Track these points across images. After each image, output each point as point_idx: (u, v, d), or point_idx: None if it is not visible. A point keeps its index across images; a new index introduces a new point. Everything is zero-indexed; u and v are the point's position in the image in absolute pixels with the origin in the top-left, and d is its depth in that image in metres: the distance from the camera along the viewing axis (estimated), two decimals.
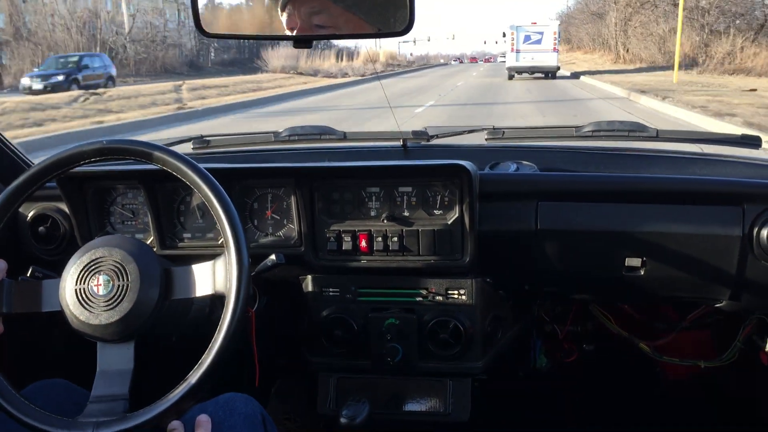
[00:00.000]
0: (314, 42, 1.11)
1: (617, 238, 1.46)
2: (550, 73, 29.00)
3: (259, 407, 1.23)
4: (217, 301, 1.19)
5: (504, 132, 1.82)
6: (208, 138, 1.93)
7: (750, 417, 1.98)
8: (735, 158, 1.71)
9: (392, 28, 1.10)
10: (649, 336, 1.97)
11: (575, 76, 30.40)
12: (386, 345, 1.56)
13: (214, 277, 1.13)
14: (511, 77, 29.44)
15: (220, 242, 1.55)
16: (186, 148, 1.87)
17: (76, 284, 1.14)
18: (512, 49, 29.18)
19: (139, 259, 1.14)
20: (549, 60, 28.74)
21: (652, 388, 2.16)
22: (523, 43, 29.08)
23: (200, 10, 1.16)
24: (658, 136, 1.71)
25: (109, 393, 1.11)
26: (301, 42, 1.05)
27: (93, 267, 1.14)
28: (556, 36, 29.47)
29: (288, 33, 1.11)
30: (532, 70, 29.07)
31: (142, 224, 1.60)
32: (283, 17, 1.21)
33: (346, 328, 1.59)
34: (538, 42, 29.03)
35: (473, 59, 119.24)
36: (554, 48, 29.00)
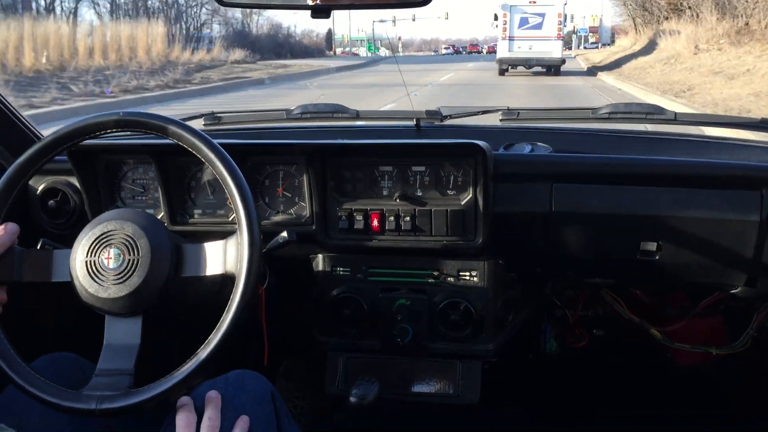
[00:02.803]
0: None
1: (633, 222, 1.44)
2: (552, 68, 22.52)
3: (269, 385, 1.22)
4: (227, 279, 1.19)
5: (519, 113, 1.80)
6: (219, 114, 1.92)
7: (761, 405, 1.96)
8: (754, 143, 1.68)
9: None
10: (661, 322, 1.95)
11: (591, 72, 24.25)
12: (396, 325, 1.55)
13: (225, 256, 1.12)
14: (502, 72, 22.89)
15: (230, 219, 1.54)
16: (197, 125, 1.84)
17: (87, 256, 1.13)
18: (504, 36, 22.62)
19: (151, 235, 1.13)
20: (551, 50, 22.21)
21: (662, 374, 2.15)
22: (519, 27, 22.65)
23: None
24: (676, 119, 1.68)
25: (115, 367, 1.11)
26: (319, 11, 1.03)
27: (104, 240, 1.14)
28: (562, 19, 22.62)
29: (308, 2, 1.09)
30: (529, 63, 22.71)
31: (152, 199, 1.59)
32: None
33: (356, 308, 1.58)
34: (538, 27, 22.55)
35: (473, 47, 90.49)
36: (558, 35, 22.50)
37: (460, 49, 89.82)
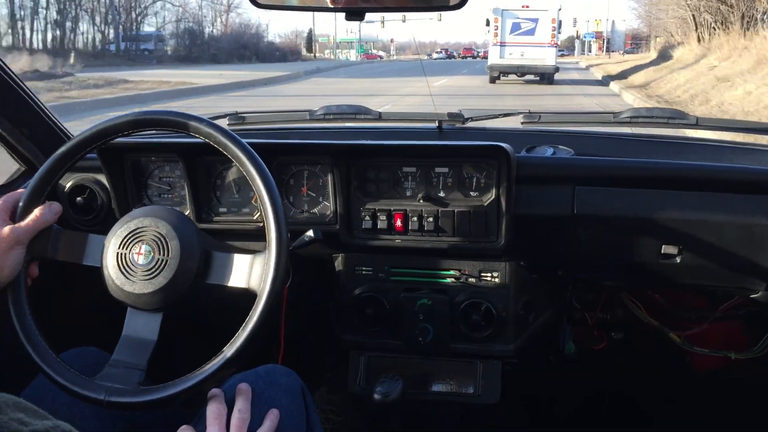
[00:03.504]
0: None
1: (654, 225, 1.45)
2: (545, 76, 21.44)
3: (299, 380, 1.24)
4: (247, 295, 1.21)
5: (540, 116, 1.81)
6: (243, 114, 1.94)
7: None
8: None
9: (444, 2, 1.09)
10: (680, 326, 1.95)
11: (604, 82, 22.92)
12: (418, 325, 1.57)
13: (250, 272, 1.14)
14: (493, 80, 21.88)
15: (255, 218, 1.56)
16: (222, 124, 1.88)
17: (119, 248, 1.16)
18: (495, 42, 21.43)
19: (183, 237, 1.16)
20: (544, 57, 21.06)
21: (680, 378, 2.15)
22: (511, 33, 21.42)
23: None
24: (698, 123, 1.69)
25: (129, 360, 1.14)
26: (354, 14, 1.05)
27: (138, 235, 1.16)
28: (556, 24, 21.42)
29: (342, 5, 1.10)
30: (521, 71, 21.67)
31: (178, 197, 1.61)
32: None
33: (377, 307, 1.60)
34: (531, 32, 21.37)
35: (467, 51, 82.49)
36: (552, 41, 21.35)
37: (454, 54, 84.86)
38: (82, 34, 38.15)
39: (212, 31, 47.72)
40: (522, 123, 1.82)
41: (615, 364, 2.12)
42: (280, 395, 1.18)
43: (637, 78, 22.60)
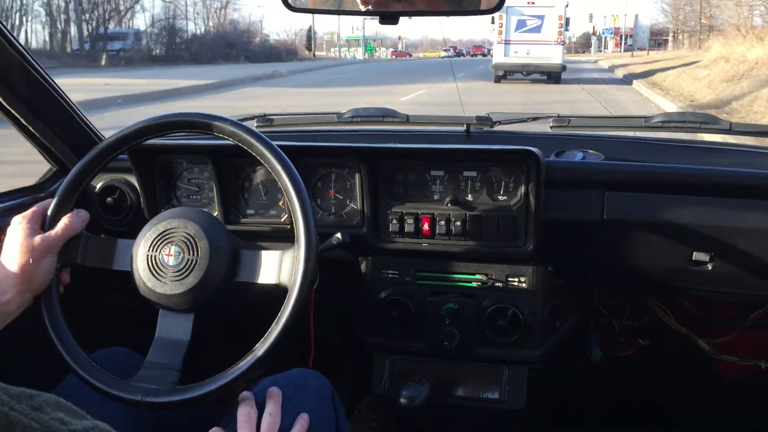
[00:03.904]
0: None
1: (685, 232, 1.43)
2: (552, 75, 20.59)
3: (328, 384, 1.24)
4: (277, 291, 1.21)
5: (570, 120, 1.80)
6: (271, 117, 1.95)
7: None
8: None
9: (476, 6, 1.09)
10: (709, 334, 1.92)
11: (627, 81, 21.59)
12: (444, 329, 1.56)
13: (280, 268, 1.14)
14: (498, 79, 20.74)
15: (283, 220, 1.57)
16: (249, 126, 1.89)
17: (149, 250, 1.17)
18: (500, 40, 20.49)
19: (211, 236, 1.16)
20: (550, 55, 20.14)
21: (708, 386, 2.12)
22: (516, 30, 20.47)
23: None
24: (732, 129, 1.66)
25: (164, 361, 1.14)
26: (388, 18, 1.05)
27: (167, 236, 1.17)
28: (562, 21, 20.39)
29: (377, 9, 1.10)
30: (527, 70, 20.78)
31: (206, 199, 1.63)
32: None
33: (403, 311, 1.59)
34: (537, 30, 20.34)
35: (478, 49, 76.47)
36: (559, 39, 20.35)
37: (464, 52, 78.64)
38: (35, 32, 35.14)
39: (195, 29, 44.72)
40: (551, 127, 1.81)
41: (642, 371, 2.09)
42: (311, 399, 1.18)
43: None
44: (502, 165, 1.49)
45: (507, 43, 20.45)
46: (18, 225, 1.15)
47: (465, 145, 1.62)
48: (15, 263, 1.12)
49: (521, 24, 20.52)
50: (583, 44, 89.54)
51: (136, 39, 39.59)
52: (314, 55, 57.22)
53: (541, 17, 20.40)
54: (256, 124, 1.92)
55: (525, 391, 1.59)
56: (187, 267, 1.14)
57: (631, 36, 72.16)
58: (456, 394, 1.62)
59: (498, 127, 1.85)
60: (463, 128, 1.82)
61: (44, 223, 1.20)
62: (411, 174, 1.54)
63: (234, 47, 41.21)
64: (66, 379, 1.22)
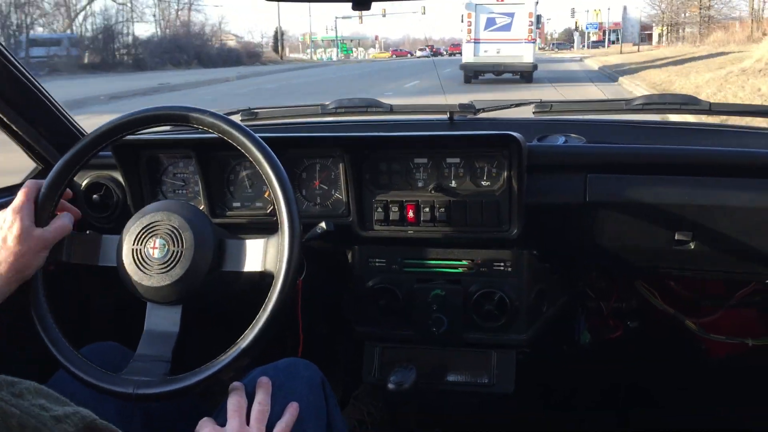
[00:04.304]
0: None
1: (667, 211, 1.45)
2: (523, 74, 19.70)
3: (319, 372, 1.25)
4: (263, 279, 1.21)
5: (552, 105, 1.81)
6: (256, 110, 1.95)
7: None
8: None
9: None
10: (696, 313, 1.95)
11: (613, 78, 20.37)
12: (431, 316, 1.57)
13: (265, 255, 1.15)
14: (468, 79, 19.55)
15: (268, 211, 1.58)
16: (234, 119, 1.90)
17: (134, 244, 1.18)
18: (469, 39, 19.70)
19: (196, 228, 1.17)
20: (521, 54, 19.34)
21: (697, 365, 2.14)
22: (485, 29, 19.66)
23: None
24: (711, 108, 1.68)
25: (154, 353, 1.15)
26: (360, 3, 1.06)
27: (151, 229, 1.18)
28: (533, 19, 19.66)
29: None
30: (497, 69, 19.67)
31: (192, 193, 1.63)
32: None
33: (391, 299, 1.60)
34: (506, 28, 19.63)
35: (456, 47, 66.78)
36: (529, 36, 19.56)
37: (442, 51, 72.44)
38: None
39: (147, 32, 42.32)
40: (534, 113, 1.82)
41: (631, 353, 2.11)
42: (301, 388, 1.19)
43: None
44: (485, 151, 1.50)
45: (476, 42, 19.70)
46: (15, 216, 1.16)
47: (447, 132, 1.63)
48: (11, 254, 1.13)
49: (491, 22, 19.80)
50: (567, 39, 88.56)
51: (72, 44, 35.95)
52: (282, 57, 54.81)
53: (510, 15, 19.70)
54: (240, 118, 1.93)
55: (513, 375, 1.61)
56: (172, 259, 1.15)
57: (614, 31, 69.98)
58: (446, 379, 1.63)
59: (481, 115, 1.86)
60: (446, 116, 1.83)
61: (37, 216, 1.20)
62: (395, 162, 1.55)
63: (185, 51, 39.16)
64: (58, 372, 1.22)
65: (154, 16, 43.71)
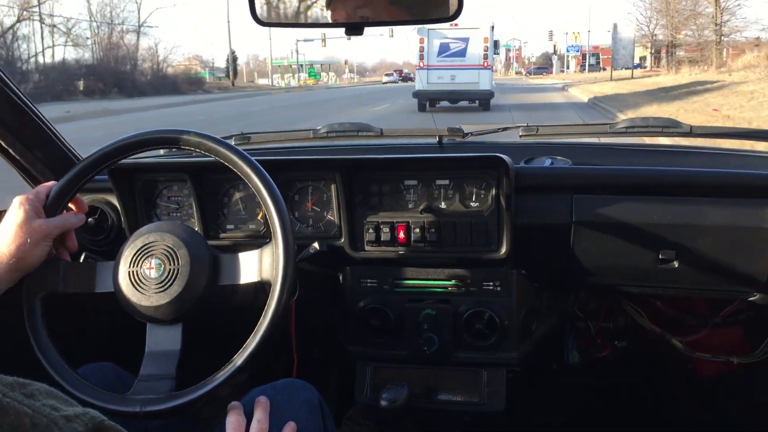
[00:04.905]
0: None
1: (651, 231, 1.48)
2: (481, 101, 18.68)
3: (316, 394, 1.26)
4: (260, 288, 1.23)
5: (538, 129, 1.86)
6: (248, 135, 1.99)
7: None
8: None
9: (439, 15, 1.14)
10: (682, 332, 1.97)
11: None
12: (423, 335, 1.59)
13: (260, 264, 1.17)
14: (422, 107, 18.55)
15: (262, 232, 1.60)
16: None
17: (130, 267, 1.19)
18: (422, 65, 18.73)
19: (190, 245, 1.19)
20: (478, 80, 18.30)
21: (684, 383, 2.17)
22: (439, 55, 18.65)
23: (256, 1, 1.21)
24: (692, 132, 1.73)
25: (157, 372, 1.16)
26: (353, 29, 1.10)
27: (146, 251, 1.19)
28: (489, 44, 18.63)
29: (340, 20, 1.15)
30: (452, 97, 18.83)
31: (186, 215, 1.66)
32: (329, 12, 1.26)
33: (383, 319, 1.63)
34: (461, 54, 18.57)
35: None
36: (485, 62, 18.55)
37: (412, 75, 66.11)
38: None
39: (44, 58, 35.46)
40: (521, 136, 1.87)
41: (619, 372, 2.14)
42: (298, 408, 1.20)
43: None
44: (473, 172, 1.53)
45: (429, 68, 18.58)
46: (20, 206, 1.18)
47: (436, 155, 1.67)
48: (12, 242, 1.15)
49: (444, 48, 18.70)
50: (543, 64, 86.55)
51: None
52: (233, 83, 51.08)
53: (465, 40, 18.55)
54: (234, 142, 1.96)
55: (504, 393, 1.63)
56: (169, 277, 1.17)
57: (594, 55, 67.30)
58: (437, 398, 1.65)
59: (470, 138, 1.90)
60: (435, 140, 1.87)
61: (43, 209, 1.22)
62: (385, 184, 1.58)
63: (102, 78, 34.71)
64: None
65: (89, 38, 39.65)
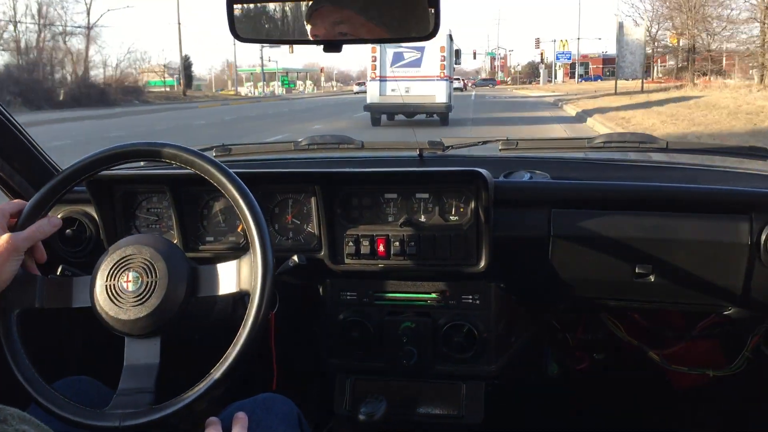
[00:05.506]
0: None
1: (627, 245, 1.50)
2: (438, 115, 17.38)
3: (295, 408, 1.26)
4: (239, 301, 1.23)
5: (518, 143, 1.88)
6: (229, 146, 1.99)
7: (758, 425, 2.00)
8: (743, 170, 1.75)
9: (416, 33, 1.15)
10: (659, 345, 1.99)
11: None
12: (402, 348, 1.60)
13: (239, 275, 1.17)
14: (376, 121, 17.70)
15: (241, 245, 1.60)
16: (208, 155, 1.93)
17: (107, 280, 1.18)
18: (374, 76, 17.20)
19: (168, 258, 1.18)
20: (433, 92, 16.96)
21: (661, 396, 2.19)
22: (392, 65, 17.33)
23: (235, 17, 1.22)
24: (668, 147, 1.75)
25: (136, 386, 1.15)
26: (331, 46, 1.11)
27: (123, 264, 1.18)
28: (445, 53, 17.25)
29: (320, 38, 1.16)
30: (406, 110, 17.78)
31: (166, 227, 1.65)
32: (308, 27, 1.26)
33: (362, 331, 1.63)
34: (416, 64, 17.26)
35: None
36: (442, 74, 17.22)
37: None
38: None
39: None
40: (500, 150, 1.88)
41: (597, 384, 2.15)
42: (278, 423, 1.20)
43: None
44: (453, 186, 1.54)
45: (382, 80, 17.12)
46: None
47: (416, 168, 1.68)
48: None
49: (398, 57, 17.31)
50: (530, 74, 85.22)
51: None
52: (185, 93, 47.82)
53: (420, 49, 17.12)
54: (214, 154, 1.96)
55: (482, 406, 1.63)
56: (147, 290, 1.16)
57: (582, 64, 65.73)
58: (417, 411, 1.66)
59: (450, 152, 1.91)
60: (416, 153, 1.88)
61: (12, 226, 1.21)
62: (366, 197, 1.59)
63: (4, 87, 30.05)
64: (29, 408, 1.22)
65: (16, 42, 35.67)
